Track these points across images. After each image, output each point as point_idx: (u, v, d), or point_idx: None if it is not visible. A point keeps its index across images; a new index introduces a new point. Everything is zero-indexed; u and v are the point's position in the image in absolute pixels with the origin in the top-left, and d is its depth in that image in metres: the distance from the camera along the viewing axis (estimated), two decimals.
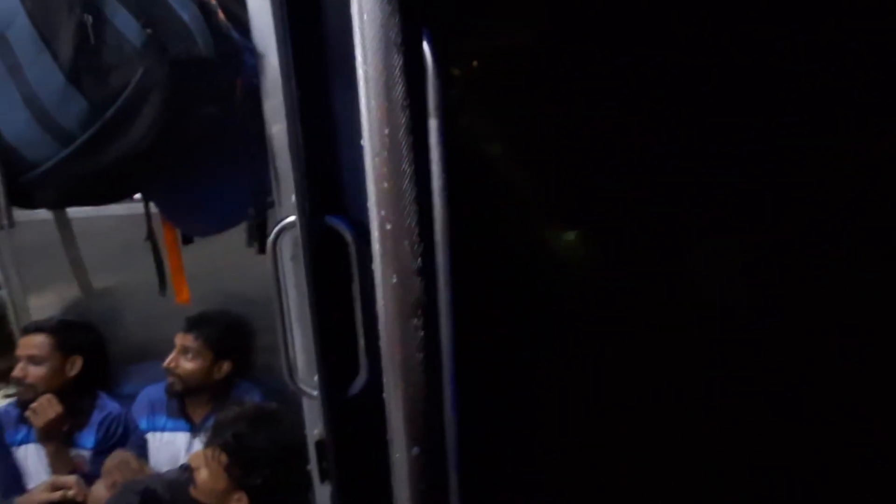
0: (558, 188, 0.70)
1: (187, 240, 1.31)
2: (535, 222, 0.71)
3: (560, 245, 0.71)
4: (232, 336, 2.14)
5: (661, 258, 0.70)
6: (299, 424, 1.53)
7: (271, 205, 1.12)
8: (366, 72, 0.65)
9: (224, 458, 1.61)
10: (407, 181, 0.65)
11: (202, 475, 1.64)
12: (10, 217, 0.97)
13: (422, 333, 0.68)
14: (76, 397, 2.16)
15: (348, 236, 0.96)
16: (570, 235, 0.71)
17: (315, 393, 1.02)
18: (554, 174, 0.70)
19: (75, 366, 2.18)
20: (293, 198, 0.99)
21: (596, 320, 0.72)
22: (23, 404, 2.13)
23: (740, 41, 0.66)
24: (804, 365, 0.72)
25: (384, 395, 0.74)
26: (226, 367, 2.09)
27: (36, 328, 2.17)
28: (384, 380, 0.74)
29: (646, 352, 0.72)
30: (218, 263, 1.88)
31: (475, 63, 0.68)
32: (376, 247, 0.70)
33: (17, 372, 2.12)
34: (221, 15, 1.02)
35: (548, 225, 0.72)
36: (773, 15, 0.64)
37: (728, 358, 0.72)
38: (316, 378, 1.01)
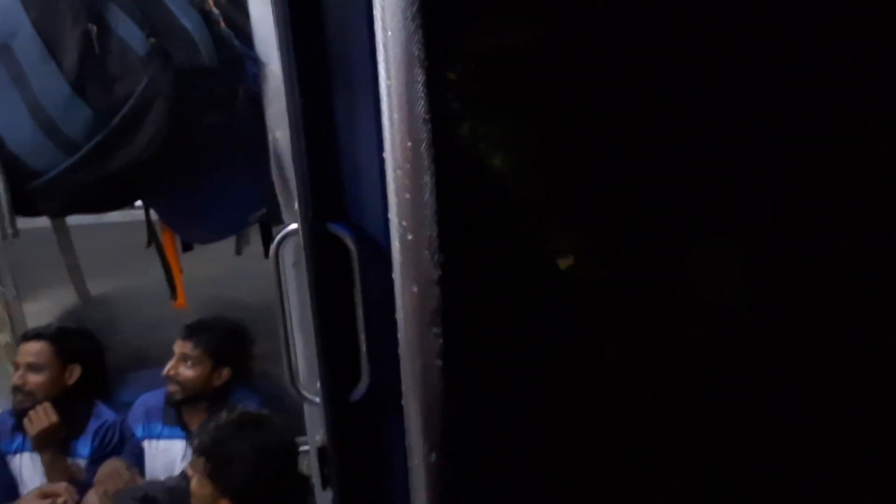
0: (579, 198, 0.71)
1: (187, 246, 1.31)
2: (553, 231, 0.72)
3: (581, 254, 0.72)
4: (231, 343, 2.14)
5: (680, 263, 0.71)
6: (289, 430, 1.54)
7: (272, 212, 1.12)
8: (389, 86, 0.67)
9: (205, 463, 1.62)
10: (428, 193, 0.67)
11: (193, 482, 1.65)
12: (13, 225, 0.97)
13: (441, 341, 0.69)
14: (73, 406, 2.15)
15: (351, 243, 0.97)
16: (592, 244, 0.72)
17: (317, 399, 1.02)
18: (574, 183, 0.71)
19: (74, 374, 2.17)
20: (296, 204, 0.99)
21: (617, 327, 0.73)
22: (19, 413, 2.12)
23: (742, 43, 0.67)
24: (804, 367, 0.72)
25: (402, 401, 0.75)
26: (225, 374, 2.09)
27: (36, 335, 2.16)
28: (402, 387, 0.75)
29: (674, 360, 0.73)
30: (215, 269, 1.89)
31: (494, 74, 0.69)
32: (397, 257, 0.71)
33: (15, 379, 2.11)
34: (223, 24, 1.03)
35: (568, 234, 0.73)
36: (773, 15, 0.65)
37: (733, 360, 0.73)
38: (318, 384, 1.02)
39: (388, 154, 0.69)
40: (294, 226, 1.00)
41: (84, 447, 2.17)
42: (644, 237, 0.70)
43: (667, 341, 0.73)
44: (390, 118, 0.68)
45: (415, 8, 0.63)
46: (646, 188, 0.68)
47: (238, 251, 1.35)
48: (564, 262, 0.71)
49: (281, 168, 1.03)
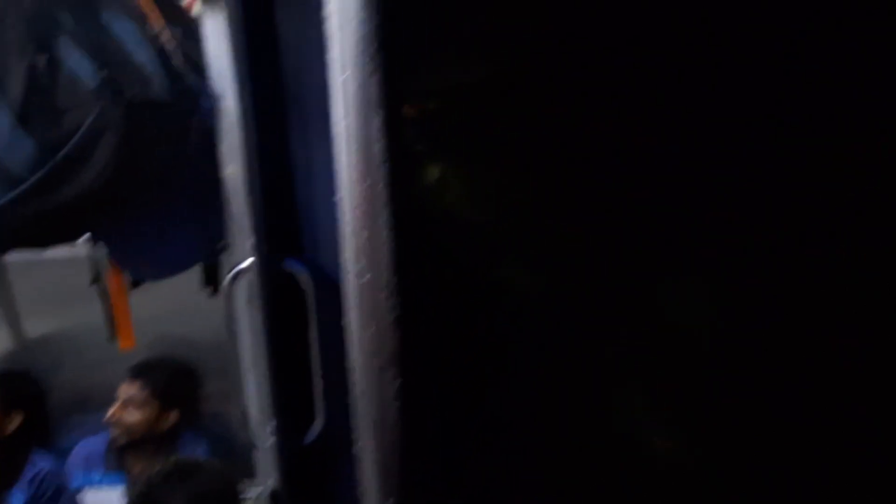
0: (538, 236, 0.71)
1: (136, 283, 1.27)
2: (514, 270, 0.72)
3: (540, 292, 0.72)
4: (179, 384, 2.06)
5: (644, 299, 0.71)
6: (228, 476, 1.49)
7: (224, 248, 1.10)
8: (347, 126, 0.66)
9: None
10: (385, 233, 0.66)
11: None
12: None
13: (398, 382, 0.68)
14: (9, 454, 2.05)
15: (306, 281, 0.95)
16: (552, 283, 0.72)
17: (269, 441, 0.99)
18: (532, 222, 0.71)
19: (14, 422, 2.06)
20: (248, 241, 0.98)
21: (577, 366, 0.72)
22: None
23: (709, 70, 0.68)
24: (800, 371, 0.72)
25: (355, 448, 0.73)
26: (173, 416, 2.01)
27: None
28: (357, 430, 0.73)
29: (638, 396, 0.72)
30: (162, 307, 1.84)
31: (451, 114, 0.70)
32: (353, 298, 0.70)
33: None
34: (178, 58, 1.02)
35: (526, 272, 0.72)
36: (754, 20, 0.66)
37: (698, 382, 0.73)
38: (270, 426, 0.99)
39: (344, 194, 0.69)
40: (248, 262, 0.98)
41: (18, 498, 2.06)
42: (605, 272, 0.70)
43: (632, 373, 0.73)
44: (347, 158, 0.68)
45: (373, 49, 0.63)
46: (605, 223, 0.69)
47: (205, 282, 1.31)
48: (523, 301, 0.71)
49: (235, 203, 1.02)
